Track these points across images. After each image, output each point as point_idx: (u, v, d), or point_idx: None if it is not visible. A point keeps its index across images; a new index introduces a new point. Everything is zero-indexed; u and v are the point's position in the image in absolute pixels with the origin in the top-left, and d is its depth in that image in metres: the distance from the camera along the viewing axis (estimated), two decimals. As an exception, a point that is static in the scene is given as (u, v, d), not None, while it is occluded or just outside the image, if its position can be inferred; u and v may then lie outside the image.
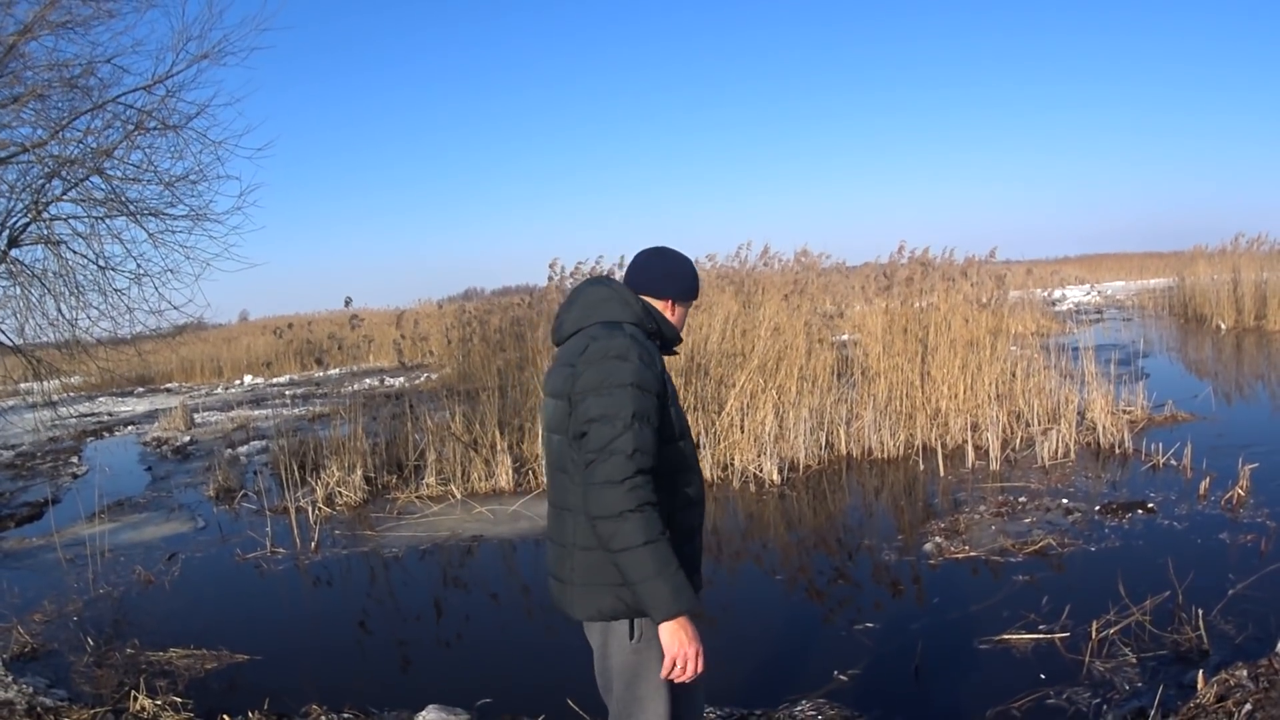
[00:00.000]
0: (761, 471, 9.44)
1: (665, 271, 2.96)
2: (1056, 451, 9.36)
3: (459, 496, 9.59)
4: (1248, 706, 3.87)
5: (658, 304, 2.94)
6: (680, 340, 3.00)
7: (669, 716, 2.81)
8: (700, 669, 2.58)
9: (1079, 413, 10.30)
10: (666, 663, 2.56)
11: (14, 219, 7.46)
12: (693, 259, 3.04)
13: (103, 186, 7.70)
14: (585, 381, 2.65)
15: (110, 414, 20.82)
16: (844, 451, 10.18)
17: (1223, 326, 21.83)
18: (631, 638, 2.68)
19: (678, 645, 2.54)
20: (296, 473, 9.92)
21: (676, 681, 2.68)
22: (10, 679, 5.11)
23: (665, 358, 2.93)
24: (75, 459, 14.70)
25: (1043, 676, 4.68)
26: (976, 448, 9.65)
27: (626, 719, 2.81)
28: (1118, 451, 9.44)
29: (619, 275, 3.07)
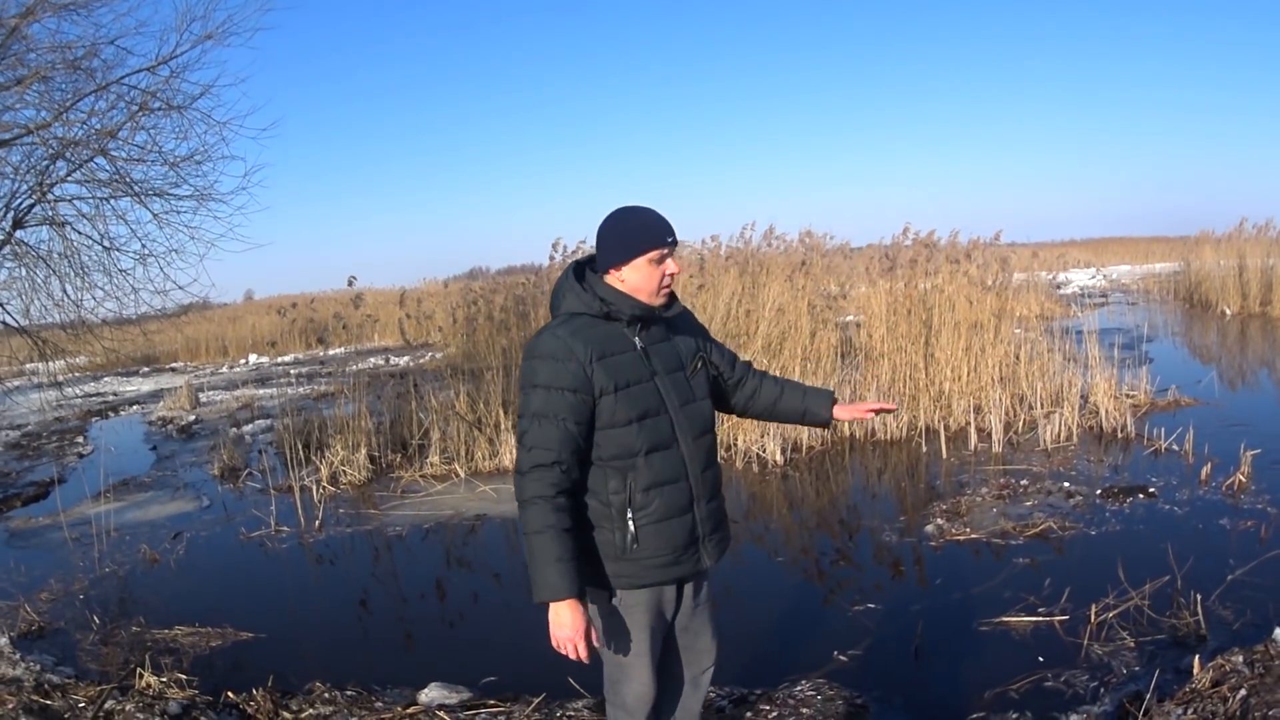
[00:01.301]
0: (764, 452, 9.45)
1: (601, 242, 2.93)
2: (1059, 435, 9.37)
3: (463, 475, 9.62)
4: (1243, 691, 3.90)
5: (610, 277, 2.92)
6: (648, 306, 2.91)
7: (651, 684, 2.98)
8: (581, 656, 2.75)
9: (1082, 396, 10.29)
10: (552, 641, 2.77)
11: (19, 200, 7.49)
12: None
13: (107, 168, 7.73)
14: (520, 379, 2.87)
15: (115, 394, 20.86)
16: (847, 433, 10.18)
17: (1228, 312, 21.76)
18: (610, 603, 2.89)
19: (553, 628, 2.76)
20: (301, 452, 9.96)
21: (653, 652, 2.95)
22: (18, 656, 5.15)
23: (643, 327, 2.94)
24: (81, 439, 14.75)
25: (1041, 659, 4.70)
26: (979, 430, 9.66)
27: (613, 682, 3.01)
28: (1120, 436, 9.45)
29: None
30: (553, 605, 2.71)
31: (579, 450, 2.79)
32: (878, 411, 3.35)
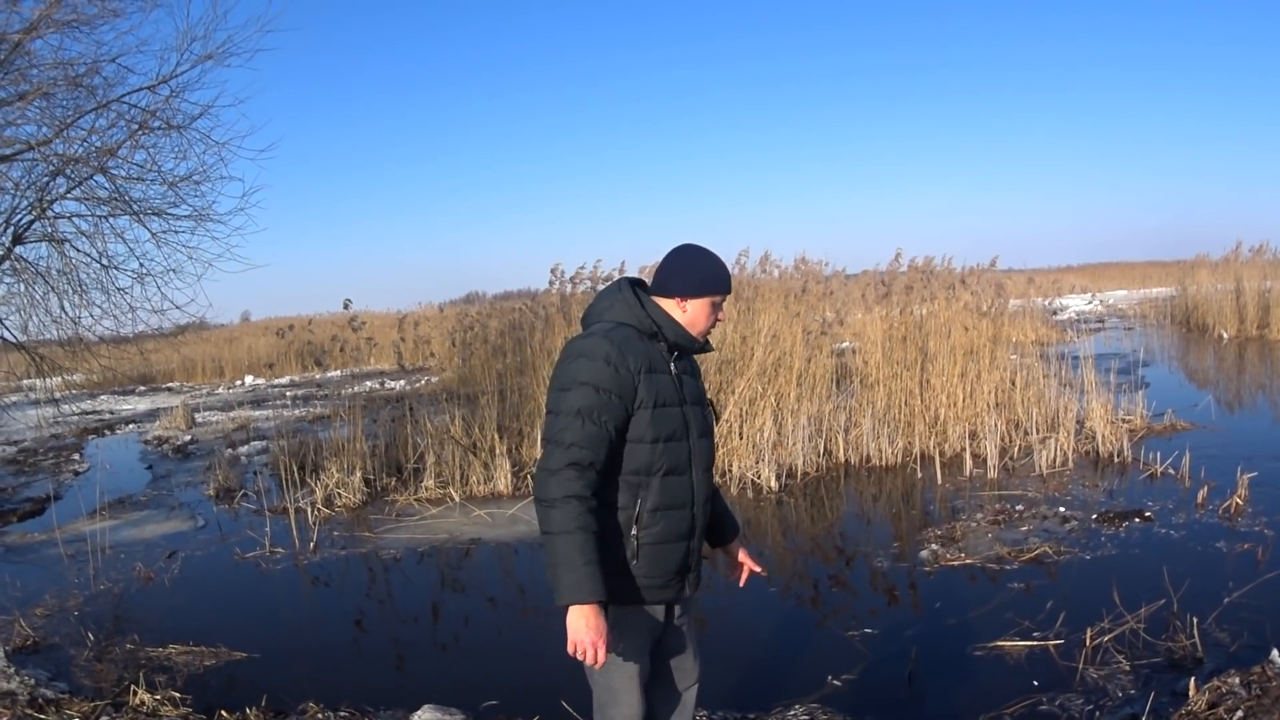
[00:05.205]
0: (759, 478, 9.45)
1: (673, 269, 3.00)
2: (1054, 460, 9.38)
3: (457, 500, 9.61)
4: (1239, 713, 3.89)
5: (667, 302, 2.99)
6: (694, 339, 3.01)
7: (640, 707, 2.98)
8: (600, 660, 2.69)
9: (1078, 421, 10.31)
10: (569, 645, 2.69)
11: (19, 216, 7.49)
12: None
13: (106, 185, 7.73)
14: (553, 377, 2.87)
15: (112, 412, 20.85)
16: (842, 459, 10.20)
17: (1225, 336, 21.82)
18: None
19: (575, 632, 2.68)
20: (296, 474, 9.94)
21: (625, 670, 2.91)
22: (13, 670, 5.14)
23: (683, 359, 3.03)
24: (77, 456, 14.73)
25: (1036, 683, 4.69)
26: (974, 456, 9.67)
27: (601, 706, 2.99)
28: (1116, 460, 9.46)
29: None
30: (576, 608, 2.67)
31: (611, 456, 2.79)
32: (747, 572, 3.38)
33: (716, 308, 3.03)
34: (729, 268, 3.11)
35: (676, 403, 2.91)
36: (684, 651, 3.16)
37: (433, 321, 22.80)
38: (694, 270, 2.99)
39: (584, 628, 2.66)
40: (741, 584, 3.41)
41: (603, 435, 2.74)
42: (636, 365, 2.81)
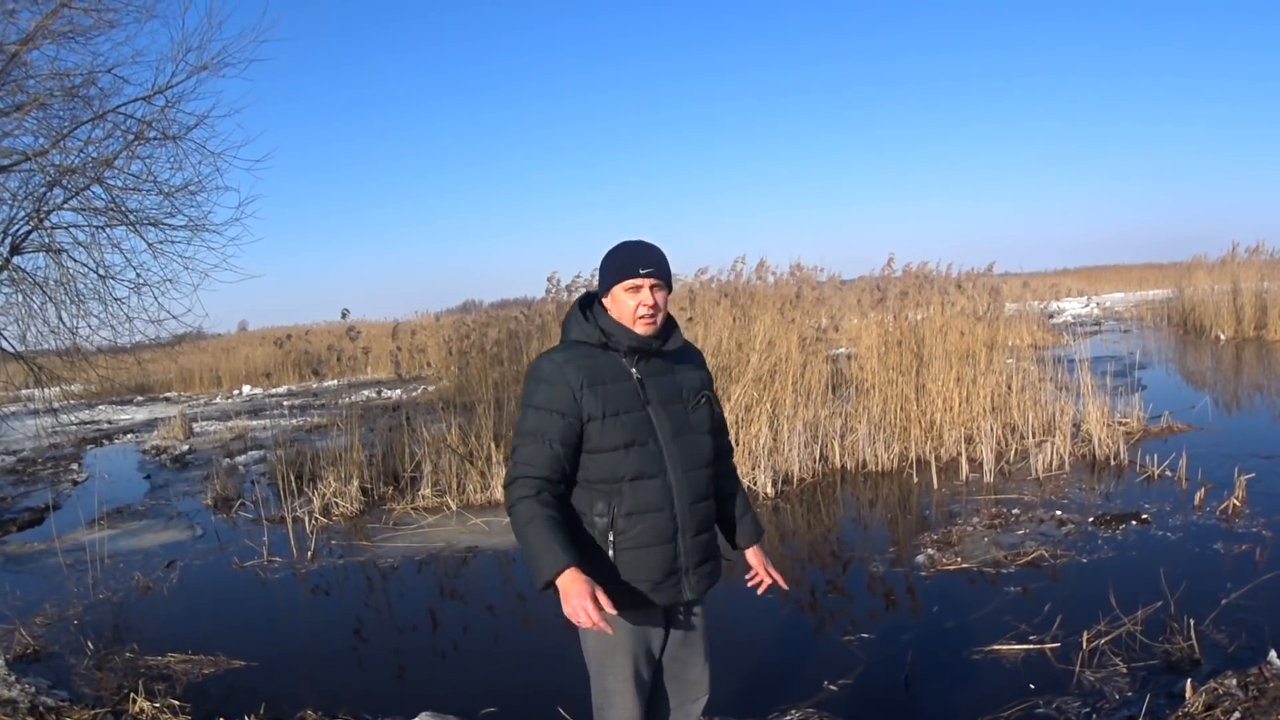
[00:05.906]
0: (755, 484, 9.45)
1: (599, 272, 3.05)
2: (1051, 463, 9.39)
3: (454, 508, 9.62)
4: (1236, 715, 3.90)
5: (606, 305, 3.02)
6: (646, 339, 2.96)
7: (636, 712, 3.00)
8: (595, 620, 2.65)
9: (1074, 425, 10.31)
10: (567, 613, 2.70)
11: (16, 226, 7.51)
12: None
13: (103, 196, 7.75)
14: (520, 398, 2.98)
15: (110, 422, 20.83)
16: (838, 464, 10.21)
17: (1222, 337, 21.84)
18: None
19: (565, 599, 2.69)
20: (294, 483, 9.93)
21: (626, 667, 2.96)
22: (13, 679, 5.14)
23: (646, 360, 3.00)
24: (75, 466, 14.75)
25: (1032, 686, 4.70)
26: (970, 460, 9.68)
27: (598, 709, 3.03)
28: (1113, 463, 9.47)
29: None
30: (557, 582, 2.69)
31: (564, 470, 2.88)
32: (769, 581, 3.31)
33: (634, 292, 2.93)
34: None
35: (637, 408, 2.93)
36: (691, 663, 3.16)
37: (429, 330, 22.76)
38: (605, 265, 3.02)
39: (570, 592, 2.68)
40: (760, 592, 3.38)
41: (550, 451, 2.85)
42: (578, 380, 2.86)
